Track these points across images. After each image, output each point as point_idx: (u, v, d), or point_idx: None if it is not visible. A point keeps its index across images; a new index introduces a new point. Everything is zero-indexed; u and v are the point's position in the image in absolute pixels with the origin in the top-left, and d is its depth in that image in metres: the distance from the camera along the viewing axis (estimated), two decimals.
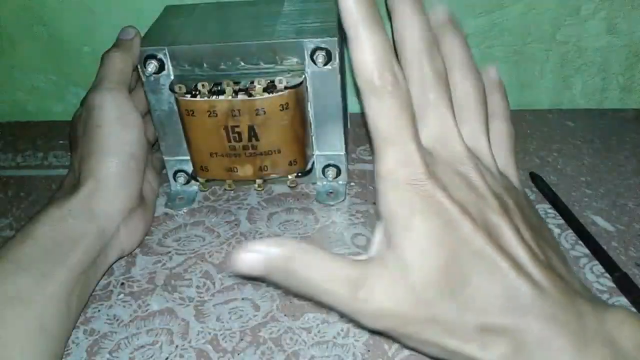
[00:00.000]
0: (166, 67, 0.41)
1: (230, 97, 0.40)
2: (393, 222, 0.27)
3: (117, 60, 0.41)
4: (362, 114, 0.30)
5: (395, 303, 0.27)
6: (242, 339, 0.35)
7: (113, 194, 0.39)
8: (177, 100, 0.41)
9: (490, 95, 0.32)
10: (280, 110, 0.40)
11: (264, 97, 0.39)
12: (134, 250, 0.42)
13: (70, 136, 0.43)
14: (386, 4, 0.30)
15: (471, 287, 0.26)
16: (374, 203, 0.45)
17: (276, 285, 0.30)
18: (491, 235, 0.26)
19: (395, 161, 0.27)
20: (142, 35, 0.43)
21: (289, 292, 0.32)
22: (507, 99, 0.34)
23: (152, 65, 0.41)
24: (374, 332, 0.30)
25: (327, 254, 0.28)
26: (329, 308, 0.29)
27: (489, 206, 0.27)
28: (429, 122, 0.28)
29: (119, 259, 0.40)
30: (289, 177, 0.44)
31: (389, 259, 0.27)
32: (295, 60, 0.41)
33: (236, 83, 0.40)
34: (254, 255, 0.27)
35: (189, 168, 0.46)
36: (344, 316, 0.29)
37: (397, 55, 0.28)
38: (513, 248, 0.27)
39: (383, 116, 0.27)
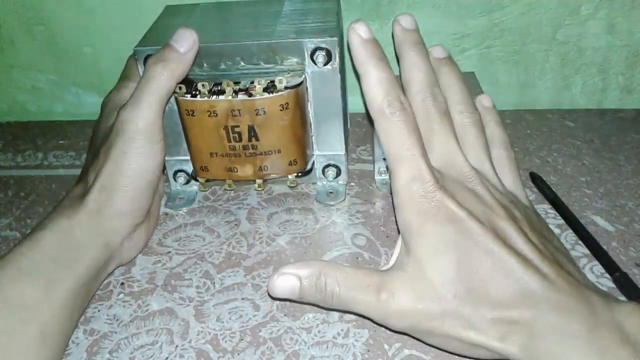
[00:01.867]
0: None
1: (230, 97, 0.40)
2: (409, 231, 0.30)
3: (164, 85, 0.38)
4: (364, 114, 0.32)
5: (415, 301, 0.29)
6: (242, 339, 0.35)
7: (123, 214, 0.38)
8: (177, 100, 0.41)
9: (486, 124, 0.36)
10: (280, 110, 0.40)
11: (264, 97, 0.39)
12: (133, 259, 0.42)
13: (91, 139, 0.42)
14: (394, 48, 0.35)
15: (484, 284, 0.28)
16: (374, 203, 0.45)
17: (311, 304, 0.34)
18: (499, 236, 0.29)
19: (408, 176, 0.30)
20: (143, 35, 0.43)
21: (323, 308, 0.35)
22: (502, 125, 0.38)
23: None
24: (400, 333, 0.33)
25: (351, 268, 0.32)
26: (362, 316, 0.32)
27: (495, 214, 0.30)
28: (435, 147, 0.32)
29: (117, 267, 0.40)
30: (289, 177, 0.44)
31: (408, 263, 0.30)
32: (295, 60, 0.41)
33: (236, 83, 0.40)
34: (286, 278, 0.32)
35: (189, 168, 0.46)
36: (376, 322, 0.32)
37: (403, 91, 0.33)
38: (519, 246, 0.29)
39: (394, 138, 0.31)
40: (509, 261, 0.28)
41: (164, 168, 0.47)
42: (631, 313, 0.27)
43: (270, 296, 0.33)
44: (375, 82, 0.31)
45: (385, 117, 0.31)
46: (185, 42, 0.38)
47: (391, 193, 0.32)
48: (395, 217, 0.32)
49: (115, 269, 0.40)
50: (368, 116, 0.33)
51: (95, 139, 0.42)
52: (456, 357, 0.33)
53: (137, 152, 0.38)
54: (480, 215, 0.30)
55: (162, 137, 0.39)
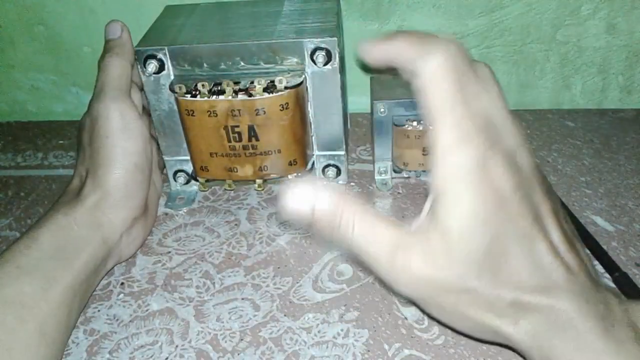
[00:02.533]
0: (166, 67, 0.41)
1: (230, 97, 0.40)
2: (444, 195, 0.27)
3: (114, 67, 0.40)
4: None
5: (434, 272, 0.27)
6: (242, 339, 0.35)
7: (119, 205, 0.38)
8: (177, 100, 0.41)
9: None
10: (280, 110, 0.40)
11: (264, 97, 0.39)
12: (132, 255, 0.42)
13: (77, 140, 0.43)
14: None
15: (509, 265, 0.27)
16: (374, 203, 0.45)
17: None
18: (537, 218, 0.27)
19: (453, 134, 0.27)
20: (143, 35, 0.43)
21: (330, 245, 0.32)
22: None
23: (152, 65, 0.41)
24: (405, 299, 0.31)
25: (372, 214, 0.28)
26: (367, 268, 0.29)
27: (534, 188, 0.28)
28: (469, 97, 0.28)
29: (116, 265, 0.41)
30: (289, 177, 0.44)
31: (434, 229, 0.27)
32: (295, 60, 0.41)
33: (236, 83, 0.40)
34: (300, 205, 0.28)
35: (189, 168, 0.46)
36: (380, 281, 0.29)
37: None
38: (551, 231, 0.28)
39: (442, 82, 0.27)
40: (540, 247, 0.27)
41: (164, 167, 0.47)
42: None
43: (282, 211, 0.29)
44: (405, 38, 0.28)
45: (430, 55, 0.27)
46: (116, 30, 0.43)
47: (430, 150, 0.28)
48: (430, 177, 0.28)
49: (114, 267, 0.40)
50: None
51: (79, 134, 0.43)
52: (456, 357, 0.33)
53: (117, 134, 0.39)
54: (522, 188, 0.27)
55: (136, 118, 0.40)
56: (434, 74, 0.27)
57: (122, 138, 0.39)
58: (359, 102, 0.54)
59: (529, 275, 0.27)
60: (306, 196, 0.28)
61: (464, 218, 0.27)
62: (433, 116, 0.27)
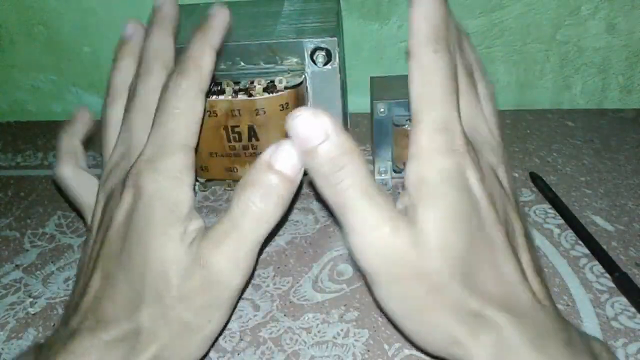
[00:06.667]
0: None
1: (230, 97, 0.40)
2: (421, 189, 0.26)
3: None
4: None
5: (415, 257, 0.26)
6: (242, 339, 0.35)
7: None
8: None
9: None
10: (280, 110, 0.40)
11: (264, 97, 0.39)
12: None
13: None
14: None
15: (480, 273, 0.26)
16: None
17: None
18: (508, 234, 0.27)
19: (436, 126, 0.26)
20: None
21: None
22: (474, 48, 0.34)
23: None
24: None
25: (372, 179, 0.27)
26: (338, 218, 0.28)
27: (510, 203, 0.28)
28: (461, 104, 0.28)
29: None
30: None
31: (406, 226, 0.26)
32: (295, 60, 0.41)
33: (236, 83, 0.40)
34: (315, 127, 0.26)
35: None
36: (349, 248, 0.28)
37: None
38: (521, 252, 0.27)
39: (432, 78, 0.26)
40: (510, 264, 0.26)
41: None
42: (602, 350, 0.26)
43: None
44: (429, 10, 0.26)
45: (432, 49, 0.26)
46: None
47: (409, 143, 0.27)
48: (405, 172, 0.27)
49: None
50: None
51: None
52: None
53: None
54: (498, 201, 0.27)
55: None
56: (431, 66, 0.26)
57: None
58: (359, 102, 0.54)
59: (496, 289, 0.26)
60: (319, 126, 0.26)
61: (440, 218, 0.26)
62: (420, 114, 0.26)
